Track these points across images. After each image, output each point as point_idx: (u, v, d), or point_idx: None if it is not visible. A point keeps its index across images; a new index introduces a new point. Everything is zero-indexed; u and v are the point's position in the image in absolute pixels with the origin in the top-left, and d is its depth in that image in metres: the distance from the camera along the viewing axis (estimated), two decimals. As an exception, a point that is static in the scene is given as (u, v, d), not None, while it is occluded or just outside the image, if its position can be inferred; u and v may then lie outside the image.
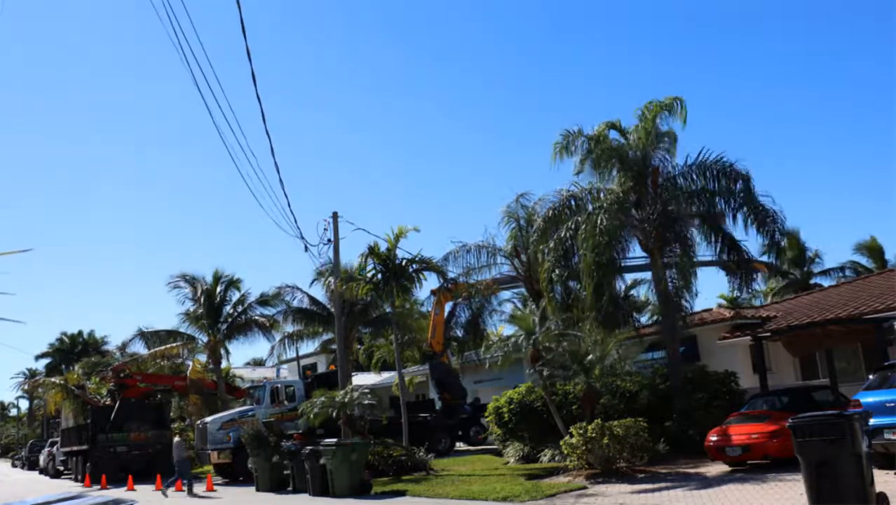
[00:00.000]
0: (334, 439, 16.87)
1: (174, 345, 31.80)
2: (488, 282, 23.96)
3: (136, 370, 30.93)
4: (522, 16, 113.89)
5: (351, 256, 25.72)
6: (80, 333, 66.31)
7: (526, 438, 18.46)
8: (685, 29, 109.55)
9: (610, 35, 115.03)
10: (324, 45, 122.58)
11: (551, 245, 18.42)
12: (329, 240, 23.72)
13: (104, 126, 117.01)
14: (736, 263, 18.18)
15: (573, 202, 19.05)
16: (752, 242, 18.01)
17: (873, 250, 37.15)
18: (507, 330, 26.79)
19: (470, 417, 26.11)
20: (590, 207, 18.33)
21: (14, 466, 51.74)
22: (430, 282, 23.32)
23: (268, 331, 31.84)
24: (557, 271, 18.60)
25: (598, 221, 17.01)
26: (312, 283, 28.36)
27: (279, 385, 24.90)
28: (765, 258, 20.52)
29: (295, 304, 30.15)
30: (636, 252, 18.98)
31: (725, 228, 18.09)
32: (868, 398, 11.56)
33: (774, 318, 20.24)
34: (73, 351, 62.60)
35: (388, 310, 26.81)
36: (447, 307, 25.66)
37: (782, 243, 17.37)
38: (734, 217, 17.67)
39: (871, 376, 12.68)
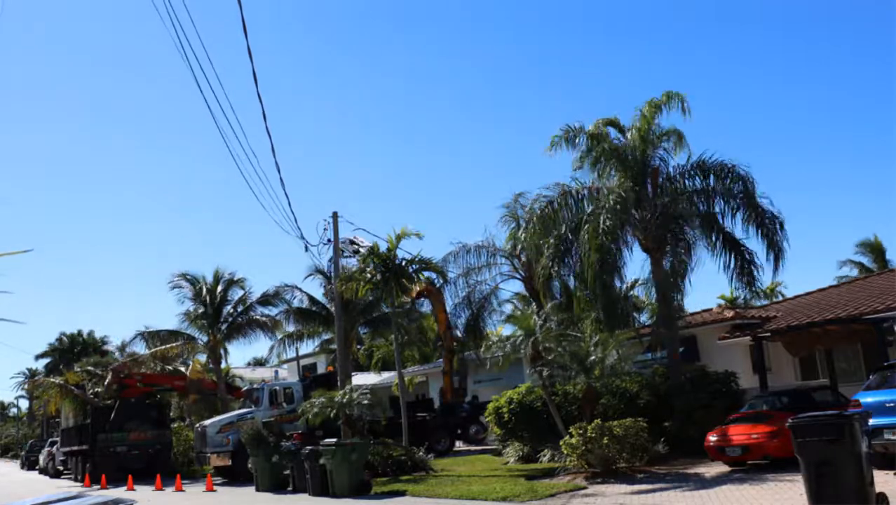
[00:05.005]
0: (334, 439, 16.87)
1: (174, 345, 31.76)
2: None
3: (135, 370, 30.87)
4: (522, 14, 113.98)
5: (351, 256, 25.65)
6: (80, 333, 66.35)
7: (526, 438, 18.44)
8: (685, 25, 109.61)
9: (611, 32, 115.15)
10: (324, 45, 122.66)
11: (550, 241, 18.39)
12: (329, 240, 23.75)
13: (104, 125, 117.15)
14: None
15: (572, 200, 19.02)
16: (752, 242, 17.99)
17: (875, 249, 37.20)
18: (507, 330, 26.81)
19: (469, 417, 26.12)
20: (588, 207, 18.31)
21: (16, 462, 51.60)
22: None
23: (268, 331, 31.81)
24: (556, 268, 18.57)
25: (601, 222, 16.99)
26: (307, 277, 28.40)
27: (277, 387, 24.83)
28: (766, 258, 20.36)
29: (295, 303, 30.20)
30: (636, 252, 19.01)
31: (725, 228, 18.08)
32: (868, 398, 11.55)
33: (774, 318, 20.22)
34: (72, 351, 62.58)
35: (386, 309, 26.85)
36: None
37: (782, 244, 17.33)
38: (734, 217, 17.70)
39: (871, 376, 12.68)
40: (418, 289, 22.62)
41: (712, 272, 18.97)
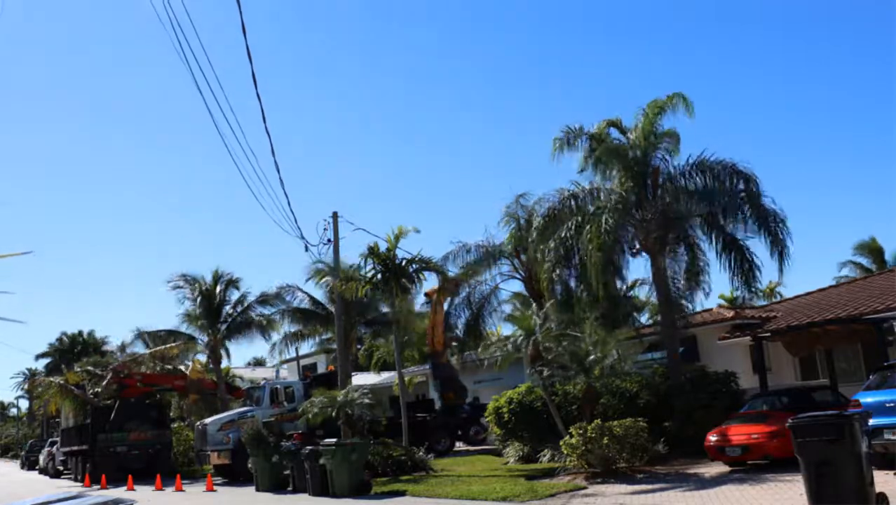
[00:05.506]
0: (334, 439, 16.87)
1: (174, 345, 31.77)
2: None
3: (135, 370, 30.86)
4: (522, 14, 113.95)
5: (351, 256, 25.66)
6: (80, 333, 66.35)
7: (526, 438, 18.45)
8: (685, 25, 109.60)
9: (611, 32, 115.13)
10: (323, 44, 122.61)
11: (551, 245, 18.41)
12: (329, 240, 23.74)
13: (104, 125, 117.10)
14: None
15: (573, 202, 19.06)
16: (755, 242, 17.95)
17: (873, 251, 37.11)
18: (507, 329, 26.79)
19: (469, 417, 26.10)
20: (591, 208, 18.33)
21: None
22: (428, 282, 23.27)
23: (268, 331, 31.80)
24: (558, 271, 18.59)
25: (603, 221, 17.00)
26: (308, 280, 28.33)
27: (278, 386, 24.83)
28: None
29: (295, 303, 30.17)
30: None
31: (726, 228, 18.07)
32: (868, 398, 11.55)
33: (774, 318, 20.24)
34: (73, 351, 62.54)
35: (384, 310, 26.84)
36: (445, 305, 25.62)
37: (787, 242, 17.25)
38: (736, 217, 17.62)
39: (871, 376, 12.68)
40: (438, 286, 22.58)
41: (712, 272, 18.90)
